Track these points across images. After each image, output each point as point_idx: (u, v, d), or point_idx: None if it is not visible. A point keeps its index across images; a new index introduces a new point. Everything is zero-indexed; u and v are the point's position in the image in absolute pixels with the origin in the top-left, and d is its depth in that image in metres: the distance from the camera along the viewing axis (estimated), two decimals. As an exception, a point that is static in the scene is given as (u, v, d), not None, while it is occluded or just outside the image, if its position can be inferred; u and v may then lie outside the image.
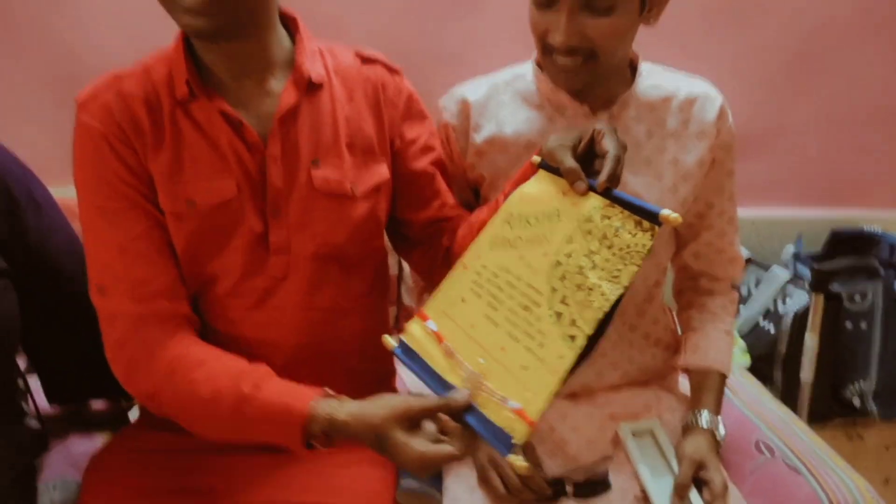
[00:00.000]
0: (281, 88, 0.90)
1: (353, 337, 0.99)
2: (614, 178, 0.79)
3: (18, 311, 0.95)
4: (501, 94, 1.08)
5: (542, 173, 0.85)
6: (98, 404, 1.19)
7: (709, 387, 1.09)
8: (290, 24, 0.94)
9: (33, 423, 1.07)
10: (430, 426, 0.75)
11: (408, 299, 1.56)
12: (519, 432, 0.69)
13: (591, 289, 0.71)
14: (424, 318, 0.79)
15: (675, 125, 1.05)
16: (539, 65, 1.06)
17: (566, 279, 0.73)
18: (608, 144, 0.80)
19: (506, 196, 0.89)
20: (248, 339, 0.92)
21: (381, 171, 0.96)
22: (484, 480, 0.99)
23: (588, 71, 0.95)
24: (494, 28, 1.70)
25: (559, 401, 1.11)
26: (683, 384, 1.21)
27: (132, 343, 0.85)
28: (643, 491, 1.00)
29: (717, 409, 1.07)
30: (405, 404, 0.74)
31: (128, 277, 0.85)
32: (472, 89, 1.09)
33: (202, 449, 0.96)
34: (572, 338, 0.69)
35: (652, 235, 0.72)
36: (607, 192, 0.78)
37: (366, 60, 0.99)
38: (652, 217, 0.74)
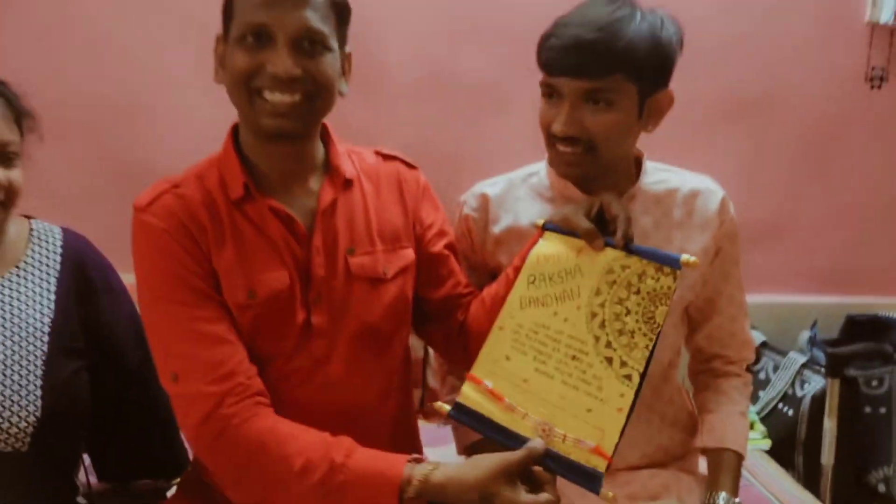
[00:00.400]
0: (318, 186, 1.00)
1: (386, 415, 1.05)
2: (629, 236, 0.90)
3: (89, 392, 1.03)
4: (517, 190, 1.19)
5: (550, 235, 0.95)
6: (141, 483, 1.24)
7: (725, 467, 1.12)
8: (322, 130, 1.05)
9: (82, 500, 1.11)
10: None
11: (433, 381, 1.61)
12: (601, 467, 0.76)
13: (632, 332, 0.80)
14: (477, 381, 0.86)
15: (680, 216, 1.14)
16: (550, 163, 1.16)
17: (606, 327, 0.82)
18: (617, 209, 0.93)
19: (515, 269, 0.99)
20: (293, 417, 0.95)
21: (408, 254, 1.06)
22: None
23: (588, 162, 1.04)
24: (511, 134, 1.86)
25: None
26: (703, 466, 1.24)
27: (216, 420, 0.87)
28: None
29: (734, 490, 1.10)
30: (504, 461, 0.80)
31: (203, 361, 0.89)
32: (491, 186, 1.20)
33: None
34: (628, 377, 0.78)
35: (674, 278, 0.82)
36: (627, 247, 0.89)
37: (386, 158, 1.11)
38: (673, 262, 0.85)
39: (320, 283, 0.98)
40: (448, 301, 1.09)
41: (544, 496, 0.80)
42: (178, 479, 1.21)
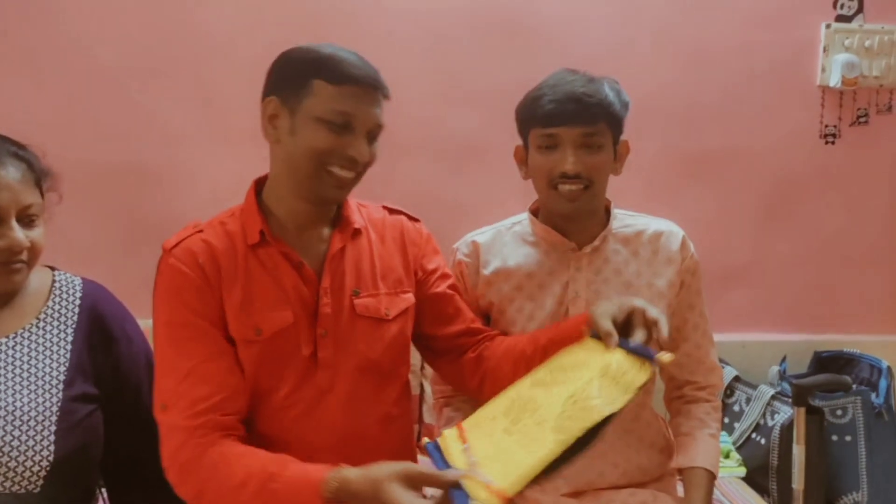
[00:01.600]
0: (329, 234, 1.13)
1: (387, 444, 1.14)
2: (662, 341, 0.95)
3: (103, 432, 1.08)
4: (504, 237, 1.34)
5: (588, 340, 1.00)
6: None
7: (698, 484, 1.23)
8: None
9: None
10: (430, 493, 0.84)
11: (428, 417, 1.71)
12: (484, 499, 0.77)
13: (591, 408, 0.84)
14: (461, 429, 0.93)
15: (647, 255, 1.29)
16: (533, 212, 1.32)
17: (576, 404, 0.86)
18: (653, 314, 0.97)
19: (550, 339, 1.09)
20: (296, 443, 1.05)
21: (409, 298, 1.18)
22: None
23: (585, 198, 1.21)
24: (494, 187, 2.04)
25: (566, 499, 1.25)
26: (681, 490, 1.34)
27: (185, 450, 0.97)
28: None
29: (706, 503, 1.21)
30: (406, 467, 0.83)
31: (188, 396, 0.99)
32: (481, 234, 1.36)
33: None
34: (560, 436, 0.81)
35: (649, 373, 0.88)
36: (623, 343, 0.94)
37: (392, 212, 1.24)
38: (650, 359, 0.91)
39: (327, 320, 1.08)
40: (457, 337, 1.19)
41: None
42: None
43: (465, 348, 1.20)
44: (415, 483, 0.82)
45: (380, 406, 1.13)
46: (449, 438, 0.91)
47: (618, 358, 0.92)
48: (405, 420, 1.22)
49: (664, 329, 0.95)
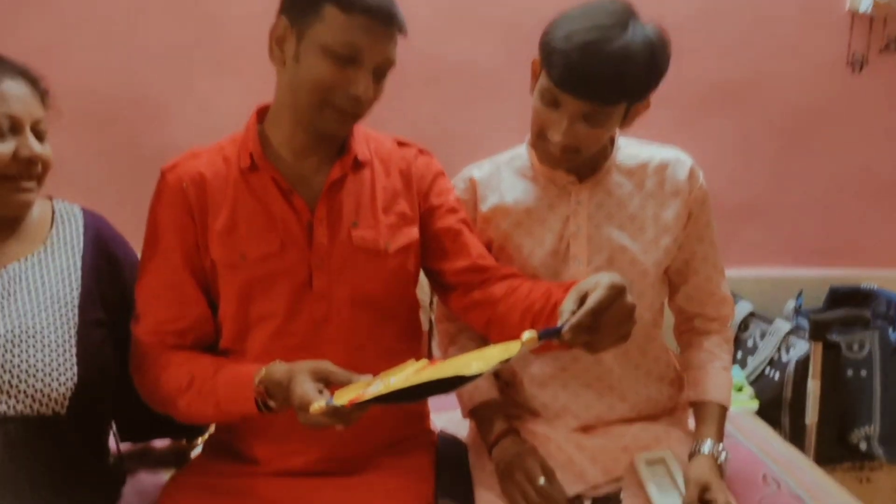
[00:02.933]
0: (330, 164, 1.10)
1: None
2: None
3: (115, 361, 1.10)
4: (502, 171, 1.28)
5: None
6: (162, 443, 1.32)
7: (710, 417, 1.21)
8: None
9: (113, 460, 1.19)
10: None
11: (438, 352, 1.69)
12: (339, 401, 0.84)
13: (447, 367, 0.83)
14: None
15: (653, 186, 1.23)
16: (531, 146, 1.26)
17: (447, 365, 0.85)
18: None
19: (553, 307, 1.01)
20: None
21: (411, 233, 1.14)
22: (512, 502, 1.10)
23: (571, 160, 1.15)
24: (499, 118, 1.96)
25: (576, 434, 1.23)
26: (692, 423, 1.32)
27: (144, 358, 1.07)
28: None
29: (718, 437, 1.18)
30: (319, 363, 0.92)
31: (154, 315, 1.07)
32: (478, 169, 1.30)
33: (261, 473, 1.09)
34: (411, 380, 0.81)
35: (515, 351, 0.81)
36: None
37: (402, 144, 1.20)
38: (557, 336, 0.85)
39: (322, 250, 1.06)
40: (463, 273, 1.15)
41: (320, 401, 0.85)
42: (203, 439, 1.29)
43: (472, 285, 1.16)
44: (321, 376, 0.89)
45: (381, 340, 1.11)
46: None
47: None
48: (412, 356, 1.18)
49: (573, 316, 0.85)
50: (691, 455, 1.17)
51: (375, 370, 1.06)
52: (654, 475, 1.16)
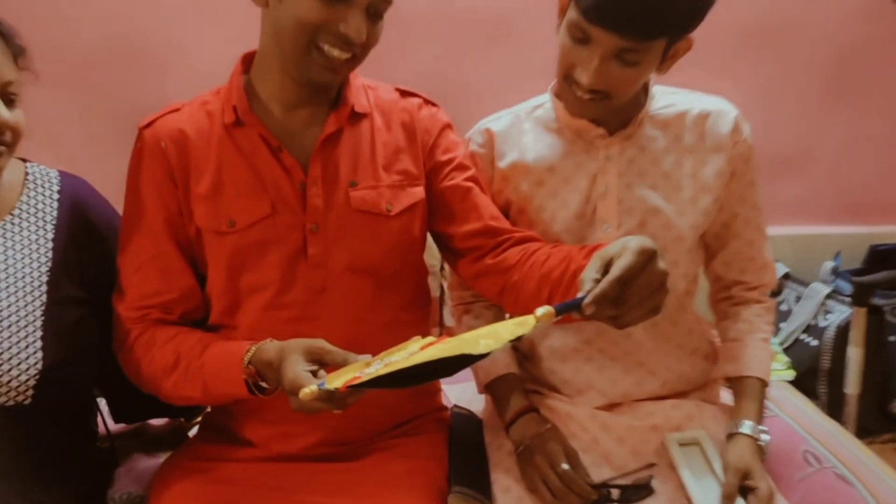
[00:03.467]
0: (324, 118, 1.00)
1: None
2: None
3: (98, 339, 1.01)
4: (523, 123, 1.15)
5: None
6: (158, 423, 1.25)
7: (749, 395, 1.10)
8: None
9: (103, 443, 1.12)
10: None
11: (450, 320, 1.60)
12: (333, 384, 0.75)
13: (454, 346, 0.72)
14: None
15: (691, 140, 1.10)
16: (556, 95, 1.13)
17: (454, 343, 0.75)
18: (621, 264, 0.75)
19: (572, 276, 0.90)
20: None
21: (416, 192, 1.04)
22: (532, 488, 1.02)
23: (601, 108, 1.02)
24: (517, 65, 1.81)
25: (601, 412, 1.13)
26: (725, 397, 1.22)
27: (126, 335, 0.99)
28: (689, 500, 1.00)
29: (758, 417, 1.08)
30: (313, 341, 0.83)
31: (137, 289, 0.99)
32: (496, 121, 1.17)
33: (258, 457, 1.02)
34: (413, 359, 0.72)
35: (528, 328, 0.71)
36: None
37: (405, 94, 1.09)
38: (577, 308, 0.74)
39: (317, 214, 0.97)
40: (474, 237, 1.05)
41: (311, 382, 0.77)
42: (199, 419, 1.21)
43: (485, 250, 1.05)
44: (315, 356, 0.82)
45: (384, 311, 1.02)
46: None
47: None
48: (419, 326, 1.11)
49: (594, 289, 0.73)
50: (729, 436, 1.07)
51: (378, 344, 0.98)
52: (688, 458, 1.07)
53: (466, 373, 1.22)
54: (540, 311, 0.69)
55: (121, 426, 1.21)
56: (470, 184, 1.07)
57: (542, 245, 1.02)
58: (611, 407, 1.15)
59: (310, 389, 0.75)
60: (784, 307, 1.84)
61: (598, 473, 1.05)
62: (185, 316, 1.02)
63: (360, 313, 1.00)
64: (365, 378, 0.74)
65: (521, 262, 1.01)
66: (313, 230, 0.97)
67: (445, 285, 1.68)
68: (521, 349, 1.24)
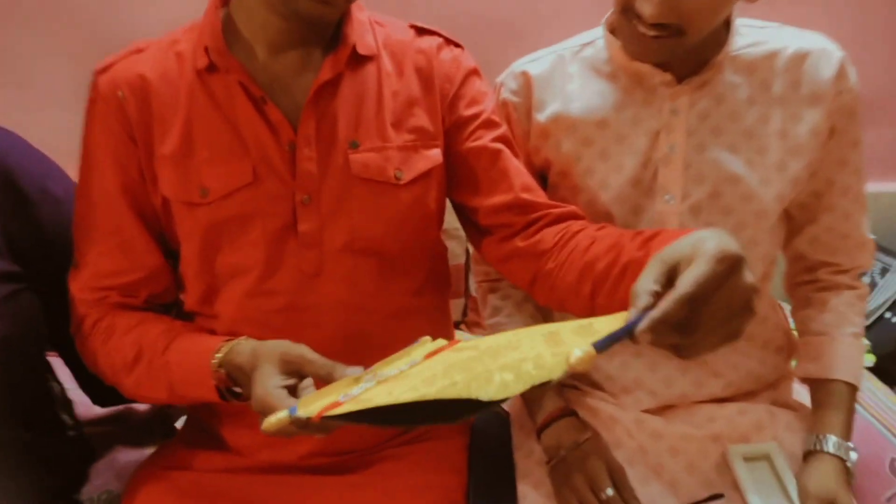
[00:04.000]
0: (319, 62, 0.82)
1: (405, 338, 0.88)
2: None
3: (42, 316, 0.88)
4: (568, 66, 0.94)
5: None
6: (144, 408, 1.13)
7: (836, 403, 0.92)
8: None
9: (73, 433, 0.99)
10: (310, 389, 0.69)
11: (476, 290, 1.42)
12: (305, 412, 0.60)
13: (477, 382, 0.52)
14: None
15: (782, 89, 0.89)
16: (611, 30, 0.91)
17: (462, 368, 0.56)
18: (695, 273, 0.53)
19: (623, 269, 0.72)
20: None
21: (433, 156, 0.85)
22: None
23: (671, 47, 0.80)
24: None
25: (651, 416, 0.96)
26: (799, 392, 1.04)
27: (83, 320, 0.86)
28: None
29: (846, 431, 0.90)
30: (290, 348, 0.69)
31: (93, 266, 0.85)
32: (534, 62, 0.96)
33: (244, 468, 0.88)
34: (419, 390, 0.54)
35: (561, 371, 0.50)
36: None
37: (421, 32, 0.89)
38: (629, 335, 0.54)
39: (309, 181, 0.80)
40: (501, 212, 0.87)
41: (286, 400, 0.65)
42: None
43: (514, 229, 0.86)
44: (292, 367, 0.69)
45: (391, 299, 0.86)
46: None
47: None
48: (434, 314, 0.94)
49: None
50: (809, 454, 0.90)
51: (383, 338, 0.83)
52: (756, 478, 0.90)
53: None
54: (576, 354, 0.50)
55: (100, 412, 1.09)
56: (499, 145, 0.87)
57: (585, 226, 0.83)
58: (662, 410, 0.98)
59: (276, 418, 0.60)
60: (866, 279, 1.61)
61: (646, 493, 0.89)
62: (153, 300, 0.88)
63: (361, 301, 0.84)
64: (343, 409, 0.57)
65: (558, 245, 0.82)
66: (305, 202, 0.80)
67: (471, 253, 1.51)
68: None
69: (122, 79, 0.81)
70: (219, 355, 0.75)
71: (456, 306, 1.58)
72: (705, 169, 0.88)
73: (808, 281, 1.01)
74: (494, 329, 1.03)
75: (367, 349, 0.84)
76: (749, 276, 0.54)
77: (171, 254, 0.88)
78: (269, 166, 0.80)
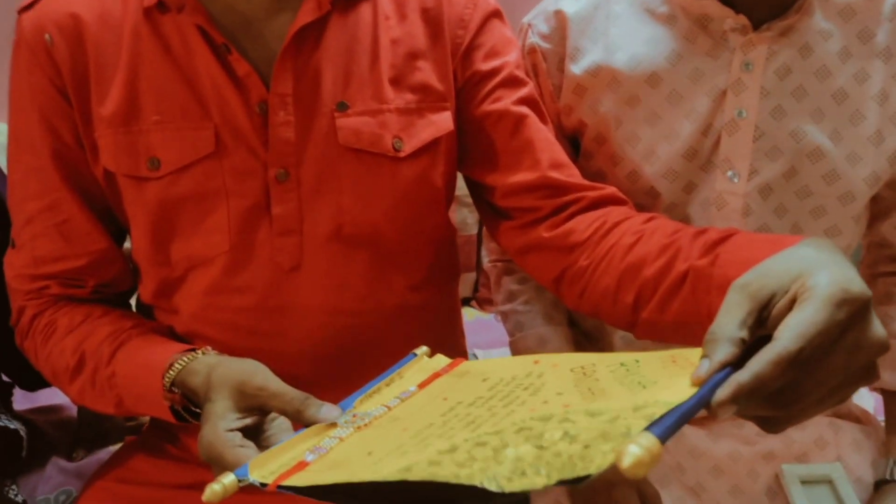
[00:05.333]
0: (300, 2, 0.66)
1: (396, 349, 0.74)
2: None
3: None
4: (614, 4, 0.77)
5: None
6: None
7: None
8: None
9: (10, 425, 0.87)
10: (280, 425, 0.56)
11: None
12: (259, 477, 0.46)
13: (490, 463, 0.38)
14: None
15: (887, 38, 0.72)
16: None
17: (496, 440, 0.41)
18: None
19: (680, 278, 0.57)
20: (257, 353, 0.69)
21: (441, 120, 0.70)
22: None
23: None
24: None
25: (692, 430, 0.82)
26: (861, 395, 0.90)
27: (20, 313, 0.75)
28: None
29: (930, 457, 0.77)
30: (248, 377, 0.55)
31: (29, 250, 0.72)
32: (571, 0, 0.78)
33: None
34: (413, 464, 0.40)
35: (607, 464, 0.35)
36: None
37: None
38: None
39: (286, 151, 0.66)
40: (524, 193, 0.72)
41: (240, 453, 0.50)
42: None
43: (540, 214, 0.71)
44: (250, 401, 0.54)
45: (386, 296, 0.72)
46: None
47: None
48: (439, 311, 0.80)
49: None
50: (883, 484, 0.78)
51: (375, 344, 0.72)
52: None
53: (503, 340, 0.92)
54: (629, 455, 0.33)
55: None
56: (524, 109, 0.71)
57: (629, 214, 0.68)
58: (704, 421, 0.84)
59: (220, 485, 0.45)
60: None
61: (685, 522, 0.76)
62: (103, 289, 0.74)
63: (349, 301, 0.70)
64: (306, 479, 0.43)
65: (593, 238, 0.67)
66: (280, 178, 0.66)
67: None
68: (585, 328, 0.91)
69: (49, 19, 0.66)
70: (171, 374, 0.62)
71: (466, 281, 1.44)
72: (781, 140, 0.72)
73: (891, 272, 0.86)
74: (507, 319, 0.89)
75: (354, 358, 0.72)
76: (879, 328, 0.39)
77: (123, 235, 0.74)
78: (234, 133, 0.65)
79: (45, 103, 0.67)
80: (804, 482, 0.79)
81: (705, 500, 0.79)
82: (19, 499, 0.84)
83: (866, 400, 0.90)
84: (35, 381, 0.91)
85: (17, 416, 0.90)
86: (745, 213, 0.74)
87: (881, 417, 0.85)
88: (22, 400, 0.96)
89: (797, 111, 0.71)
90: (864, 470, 0.80)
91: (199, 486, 0.73)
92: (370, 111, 0.67)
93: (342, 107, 0.66)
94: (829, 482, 0.79)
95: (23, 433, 0.88)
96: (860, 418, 0.87)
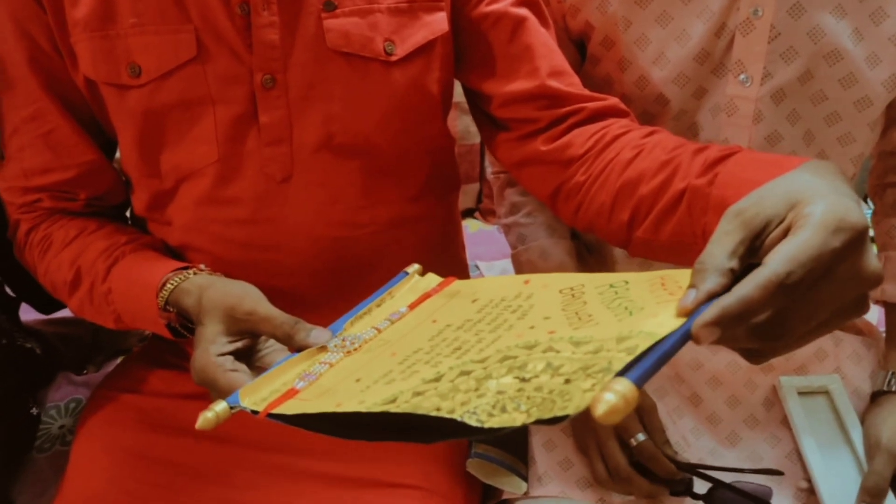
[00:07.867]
0: None
1: (393, 260, 0.73)
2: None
3: None
4: None
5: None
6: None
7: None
8: None
9: (27, 343, 0.88)
10: (273, 345, 0.55)
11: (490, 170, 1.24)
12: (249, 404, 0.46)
13: (473, 396, 0.38)
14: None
15: None
16: None
17: (480, 371, 0.40)
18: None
19: (676, 198, 0.55)
20: (252, 269, 0.69)
21: (435, 21, 0.66)
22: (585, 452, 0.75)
23: None
24: None
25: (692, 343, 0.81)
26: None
27: (16, 227, 0.74)
28: (810, 481, 0.73)
29: (929, 369, 0.76)
30: (238, 301, 0.54)
31: (20, 161, 0.71)
32: None
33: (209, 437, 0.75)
34: (401, 399, 0.40)
35: (584, 405, 0.33)
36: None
37: None
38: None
39: (271, 57, 0.62)
40: (523, 102, 0.68)
41: (237, 378, 0.50)
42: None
43: (537, 126, 0.67)
44: (240, 325, 0.54)
45: (381, 208, 0.70)
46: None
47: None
48: (438, 223, 0.78)
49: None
50: (879, 395, 0.77)
51: (372, 256, 0.71)
52: (812, 417, 0.77)
53: (505, 252, 0.91)
54: (606, 400, 0.31)
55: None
56: (523, 11, 0.67)
57: (630, 127, 0.64)
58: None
59: (213, 412, 0.45)
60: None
61: (677, 429, 0.78)
62: (95, 202, 0.73)
63: (342, 213, 0.68)
64: (296, 406, 0.43)
65: (592, 152, 0.64)
66: (267, 84, 0.62)
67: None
68: (587, 240, 0.89)
69: None
70: (164, 293, 0.61)
71: (469, 192, 1.41)
72: (798, 40, 0.67)
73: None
74: (510, 231, 0.87)
75: (351, 272, 0.70)
76: (874, 261, 0.37)
77: (113, 147, 0.72)
78: (216, 35, 0.62)
79: (19, 9, 0.63)
80: (801, 393, 0.78)
81: (702, 410, 0.79)
82: (34, 411, 0.85)
83: (870, 311, 0.88)
84: (48, 303, 0.91)
85: (29, 332, 0.90)
86: (756, 120, 0.70)
87: (883, 329, 0.84)
88: (31, 310, 0.96)
89: (818, 7, 0.66)
90: (862, 381, 0.79)
91: (201, 397, 0.75)
92: (359, 11, 0.63)
93: (329, 6, 0.62)
94: (827, 394, 0.78)
95: (38, 350, 0.89)
96: (862, 330, 0.86)
